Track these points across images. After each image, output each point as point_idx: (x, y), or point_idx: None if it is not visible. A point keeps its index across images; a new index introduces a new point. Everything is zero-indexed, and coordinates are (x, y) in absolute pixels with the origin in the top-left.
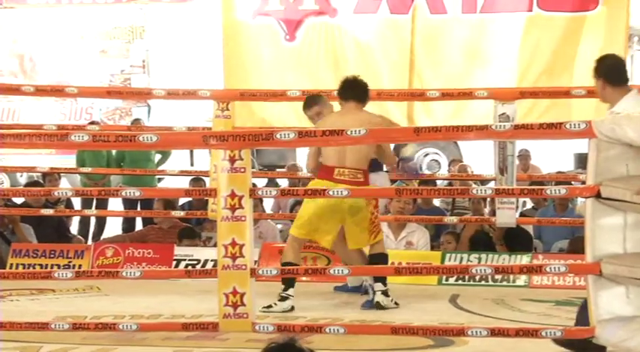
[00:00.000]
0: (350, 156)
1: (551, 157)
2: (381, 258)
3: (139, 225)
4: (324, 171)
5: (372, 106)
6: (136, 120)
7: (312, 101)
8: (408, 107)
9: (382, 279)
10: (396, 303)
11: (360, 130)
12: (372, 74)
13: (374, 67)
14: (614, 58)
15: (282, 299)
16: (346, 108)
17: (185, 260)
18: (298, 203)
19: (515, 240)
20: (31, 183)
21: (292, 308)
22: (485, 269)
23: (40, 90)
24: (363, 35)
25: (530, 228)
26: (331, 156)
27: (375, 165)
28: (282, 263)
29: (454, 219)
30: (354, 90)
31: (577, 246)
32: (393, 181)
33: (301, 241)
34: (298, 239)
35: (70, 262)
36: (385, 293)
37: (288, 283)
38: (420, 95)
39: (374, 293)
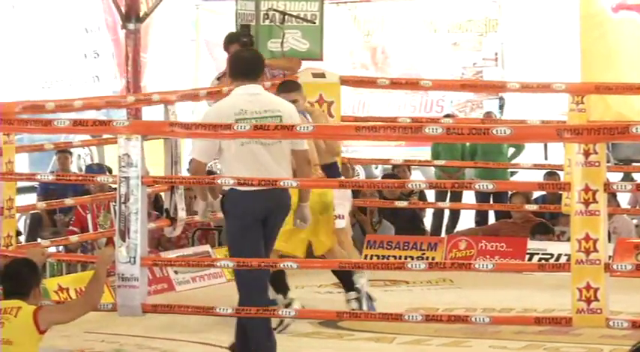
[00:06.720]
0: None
1: None
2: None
3: (491, 218)
4: None
5: None
6: (488, 114)
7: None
8: None
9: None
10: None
11: None
12: None
13: None
14: None
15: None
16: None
17: (538, 254)
18: None
19: None
20: (388, 176)
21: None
22: None
23: (395, 83)
24: None
25: None
26: None
27: None
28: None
29: None
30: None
31: None
32: None
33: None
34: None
35: (423, 254)
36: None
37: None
38: None
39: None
